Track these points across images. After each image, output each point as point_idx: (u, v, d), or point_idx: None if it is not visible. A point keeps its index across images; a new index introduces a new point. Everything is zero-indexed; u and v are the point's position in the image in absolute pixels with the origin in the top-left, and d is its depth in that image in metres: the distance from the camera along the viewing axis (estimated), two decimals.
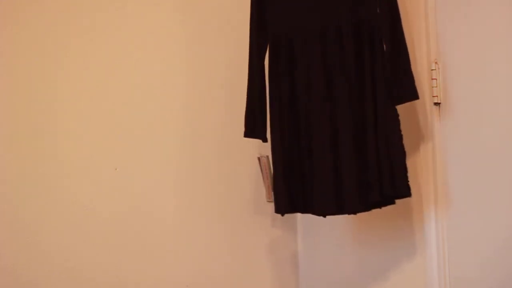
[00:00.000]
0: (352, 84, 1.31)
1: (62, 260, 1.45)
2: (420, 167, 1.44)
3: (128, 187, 1.56)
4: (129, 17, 1.61)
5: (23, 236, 1.41)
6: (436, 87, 1.41)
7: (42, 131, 1.45)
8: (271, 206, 1.48)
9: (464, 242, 1.36)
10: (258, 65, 1.42)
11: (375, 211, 1.38)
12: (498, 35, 1.26)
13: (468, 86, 1.35)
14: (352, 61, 1.31)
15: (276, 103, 1.40)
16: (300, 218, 1.78)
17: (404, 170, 1.30)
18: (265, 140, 1.46)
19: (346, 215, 1.39)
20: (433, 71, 1.41)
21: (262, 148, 1.60)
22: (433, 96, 1.41)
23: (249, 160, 1.69)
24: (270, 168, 1.64)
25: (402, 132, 1.33)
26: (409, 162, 1.42)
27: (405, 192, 1.31)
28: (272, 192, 1.48)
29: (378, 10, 1.30)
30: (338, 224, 1.63)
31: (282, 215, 1.46)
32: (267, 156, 1.62)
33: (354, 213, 1.35)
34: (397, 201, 1.36)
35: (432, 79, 1.41)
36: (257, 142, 1.51)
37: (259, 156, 1.66)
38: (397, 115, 1.31)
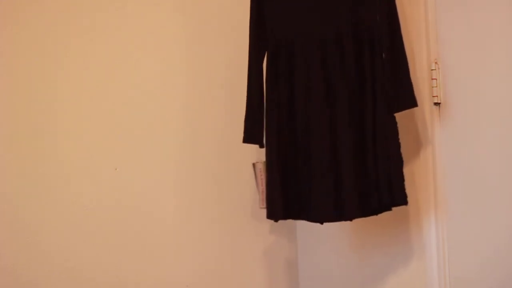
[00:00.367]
0: (351, 90, 1.31)
1: (62, 260, 1.45)
2: (420, 167, 1.44)
3: (128, 187, 1.56)
4: (129, 17, 1.61)
5: (23, 236, 1.41)
6: (436, 87, 1.41)
7: (42, 131, 1.45)
8: None
9: (464, 243, 1.36)
10: (257, 69, 1.42)
11: (372, 217, 1.37)
12: (498, 35, 1.26)
13: (468, 86, 1.34)
14: (352, 68, 1.30)
15: (274, 107, 1.39)
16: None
17: (401, 179, 1.31)
18: (262, 146, 1.44)
19: (343, 222, 1.37)
20: (433, 71, 1.41)
21: (261, 153, 1.59)
22: (433, 96, 1.41)
23: (250, 163, 1.68)
24: (265, 174, 1.63)
25: (403, 132, 1.33)
26: (408, 162, 1.42)
27: (402, 200, 1.31)
28: (265, 198, 1.46)
29: (377, 18, 1.30)
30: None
31: (276, 221, 1.44)
32: (263, 162, 1.61)
33: (351, 219, 1.34)
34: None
35: (432, 79, 1.41)
36: (255, 146, 1.50)
37: (254, 162, 1.65)
38: (396, 123, 1.31)
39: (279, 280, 1.78)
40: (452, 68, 1.38)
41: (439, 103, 1.41)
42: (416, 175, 1.43)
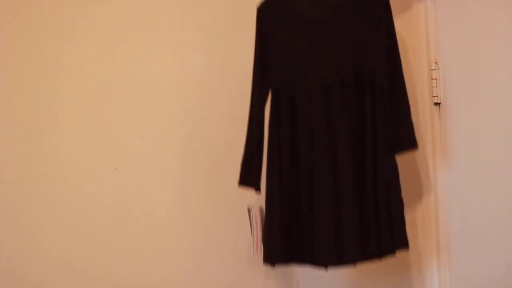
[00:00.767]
0: (353, 134, 1.30)
1: (62, 260, 1.45)
2: (420, 167, 1.44)
3: (128, 187, 1.56)
4: (131, 16, 1.61)
5: (23, 236, 1.41)
6: (436, 87, 1.41)
7: (42, 131, 1.45)
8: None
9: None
10: (258, 112, 1.40)
11: (374, 263, 1.36)
12: (498, 35, 1.26)
13: (468, 86, 1.34)
14: (353, 112, 1.30)
15: (276, 153, 1.37)
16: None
17: (402, 222, 1.29)
18: (258, 190, 1.42)
19: (344, 269, 1.36)
20: (433, 71, 1.41)
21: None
22: (433, 96, 1.41)
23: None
24: (262, 219, 1.61)
25: None
26: (408, 163, 1.42)
27: (403, 245, 1.30)
28: (262, 243, 1.43)
29: (379, 62, 1.30)
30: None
31: (273, 266, 1.40)
32: (260, 207, 1.61)
33: (354, 263, 1.32)
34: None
35: (432, 79, 1.41)
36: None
37: (249, 206, 1.63)
38: (396, 166, 1.31)
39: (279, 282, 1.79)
40: (452, 68, 1.38)
41: (439, 103, 1.41)
42: (416, 174, 1.43)
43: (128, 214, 1.56)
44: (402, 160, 1.35)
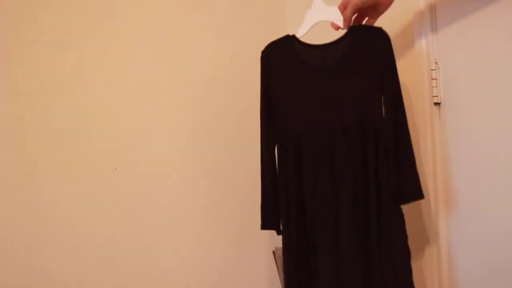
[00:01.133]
0: (356, 184, 1.28)
1: (61, 260, 1.45)
2: (420, 167, 1.44)
3: (128, 187, 1.57)
4: (132, 16, 1.61)
5: (23, 236, 1.41)
6: (436, 87, 1.40)
7: (42, 131, 1.45)
8: None
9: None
10: (269, 159, 1.40)
11: None
12: (498, 35, 1.26)
13: (468, 86, 1.34)
14: (357, 160, 1.28)
15: (284, 200, 1.37)
16: None
17: (409, 272, 1.27)
18: (279, 233, 1.41)
19: None
20: (433, 71, 1.40)
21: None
22: (433, 96, 1.40)
23: (256, 163, 1.62)
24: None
25: None
26: None
27: None
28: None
29: (384, 110, 1.29)
30: None
31: None
32: (281, 249, 1.61)
33: None
34: None
35: (432, 79, 1.40)
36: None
37: (273, 249, 1.63)
38: (402, 214, 1.29)
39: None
40: (452, 68, 1.38)
41: (439, 103, 1.41)
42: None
43: (128, 214, 1.56)
44: None
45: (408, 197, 1.30)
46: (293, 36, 1.36)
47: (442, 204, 1.42)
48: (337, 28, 1.33)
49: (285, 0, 1.99)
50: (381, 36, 1.29)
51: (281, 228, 1.39)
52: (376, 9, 1.31)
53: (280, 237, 1.39)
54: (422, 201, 1.40)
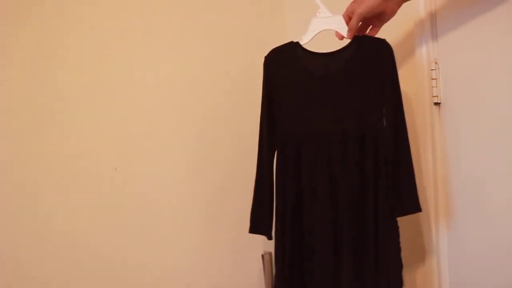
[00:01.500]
0: (355, 192, 1.29)
1: (61, 260, 1.45)
2: (420, 166, 1.44)
3: (128, 187, 1.57)
4: (132, 15, 1.61)
5: (22, 236, 1.41)
6: (436, 87, 1.40)
7: (42, 131, 1.45)
8: None
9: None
10: (267, 164, 1.40)
11: None
12: (498, 35, 1.26)
13: (468, 86, 1.34)
14: (356, 169, 1.29)
15: (281, 204, 1.38)
16: None
17: (400, 283, 1.29)
18: (269, 238, 1.42)
19: None
20: (433, 71, 1.41)
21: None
22: (433, 96, 1.41)
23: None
24: (272, 265, 1.63)
25: None
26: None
27: None
28: None
29: (384, 125, 1.29)
30: None
31: None
32: (270, 253, 1.61)
33: None
34: None
35: (432, 79, 1.41)
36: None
37: (263, 253, 1.64)
38: (397, 227, 1.30)
39: None
40: (452, 68, 1.38)
41: (439, 103, 1.41)
42: (416, 172, 1.43)
43: (128, 214, 1.56)
44: None
45: (406, 210, 1.31)
46: (297, 43, 1.36)
47: (441, 205, 1.42)
48: (342, 37, 1.34)
49: (283, 1, 1.99)
50: (385, 47, 1.29)
51: (273, 233, 1.40)
52: (381, 18, 1.32)
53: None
54: (421, 203, 1.40)
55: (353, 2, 1.32)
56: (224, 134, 1.75)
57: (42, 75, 1.46)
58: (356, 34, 1.32)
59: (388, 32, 1.34)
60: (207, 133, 1.72)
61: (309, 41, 1.35)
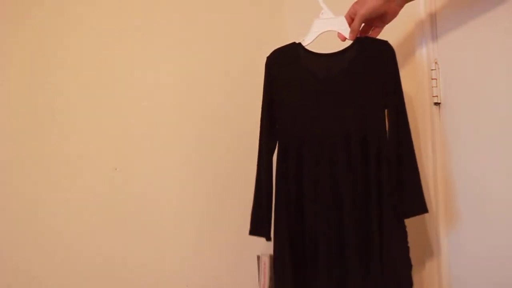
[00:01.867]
0: (358, 193, 1.28)
1: (61, 260, 1.45)
2: (420, 167, 1.44)
3: (128, 187, 1.56)
4: (132, 15, 1.61)
5: (22, 236, 1.41)
6: (436, 87, 1.40)
7: (42, 131, 1.45)
8: None
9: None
10: (267, 165, 1.39)
11: None
12: (498, 35, 1.26)
13: (468, 86, 1.34)
14: (358, 170, 1.28)
15: (283, 204, 1.37)
16: None
17: (410, 283, 1.28)
18: (268, 239, 1.41)
19: None
20: (433, 71, 1.41)
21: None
22: (433, 96, 1.41)
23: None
24: (270, 267, 1.63)
25: None
26: None
27: None
28: None
29: (387, 123, 1.29)
30: None
31: None
32: (269, 255, 1.61)
33: None
34: None
35: (432, 79, 1.41)
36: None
37: (259, 254, 1.63)
38: (405, 227, 1.29)
39: None
40: (452, 68, 1.38)
41: (439, 103, 1.41)
42: None
43: (128, 214, 1.56)
44: None
45: (412, 212, 1.30)
46: (299, 44, 1.36)
47: (442, 205, 1.42)
48: (344, 39, 1.34)
49: (283, 1, 2.00)
50: (387, 49, 1.29)
51: (272, 235, 1.39)
52: (383, 19, 1.32)
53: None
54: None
55: (355, 3, 1.32)
56: (224, 134, 1.75)
57: (42, 75, 1.46)
58: (358, 35, 1.32)
59: (388, 32, 1.34)
60: (207, 133, 1.72)
61: (311, 42, 1.35)
